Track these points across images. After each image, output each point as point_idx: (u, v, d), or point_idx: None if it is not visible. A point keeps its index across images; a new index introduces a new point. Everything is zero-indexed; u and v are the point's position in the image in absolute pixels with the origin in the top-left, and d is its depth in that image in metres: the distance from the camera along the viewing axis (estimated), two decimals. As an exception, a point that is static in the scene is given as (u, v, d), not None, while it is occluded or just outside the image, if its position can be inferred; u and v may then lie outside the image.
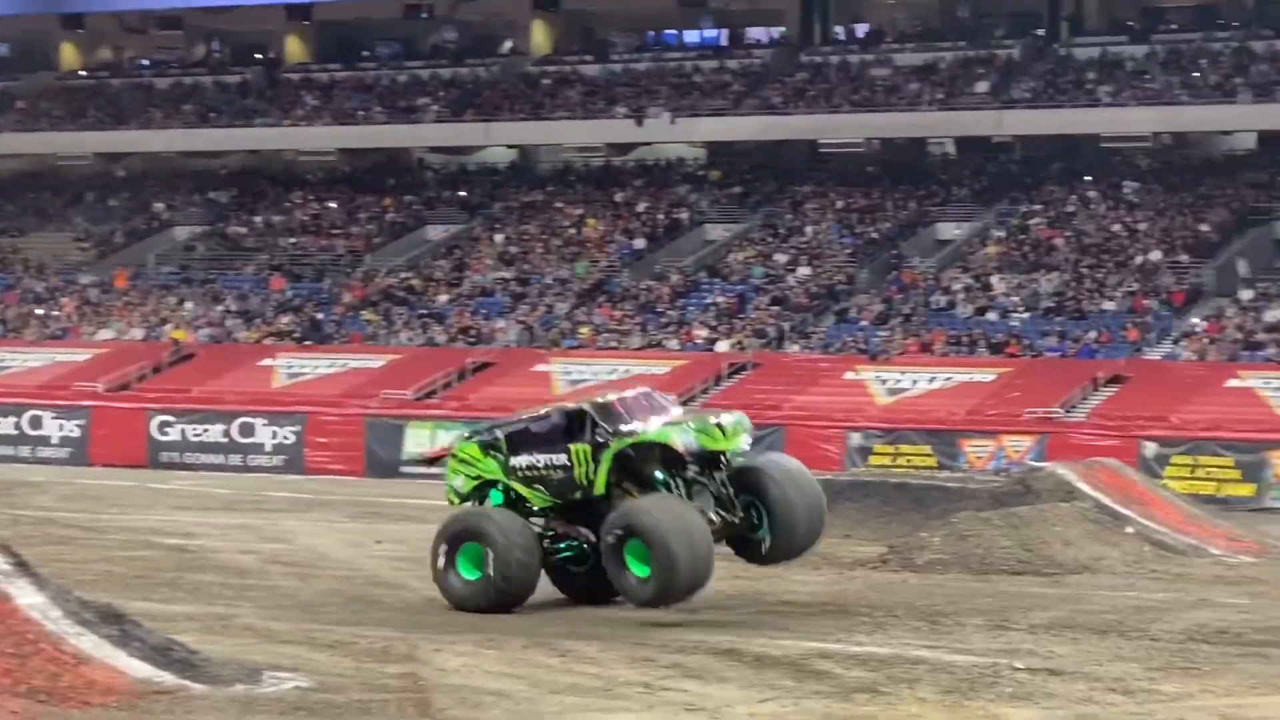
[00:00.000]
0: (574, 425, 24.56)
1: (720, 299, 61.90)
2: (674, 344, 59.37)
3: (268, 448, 56.45)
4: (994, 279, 59.87)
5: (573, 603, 25.51)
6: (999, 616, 25.43)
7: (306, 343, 63.31)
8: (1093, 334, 55.62)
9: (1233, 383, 50.93)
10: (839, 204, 66.80)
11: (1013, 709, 18.32)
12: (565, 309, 62.82)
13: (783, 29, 75.18)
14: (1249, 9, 66.76)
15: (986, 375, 53.94)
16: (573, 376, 56.68)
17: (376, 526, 39.25)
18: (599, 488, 24.21)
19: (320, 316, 64.98)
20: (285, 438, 56.35)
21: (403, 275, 67.15)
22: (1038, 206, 64.08)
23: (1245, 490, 46.51)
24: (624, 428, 24.18)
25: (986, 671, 20.37)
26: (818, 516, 24.68)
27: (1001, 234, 63.09)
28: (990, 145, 67.78)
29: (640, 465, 24.22)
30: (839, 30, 74.98)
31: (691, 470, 24.21)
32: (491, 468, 25.19)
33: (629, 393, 25.52)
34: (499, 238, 69.02)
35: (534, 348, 60.36)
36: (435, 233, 71.04)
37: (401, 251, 69.45)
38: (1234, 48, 64.53)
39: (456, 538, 24.60)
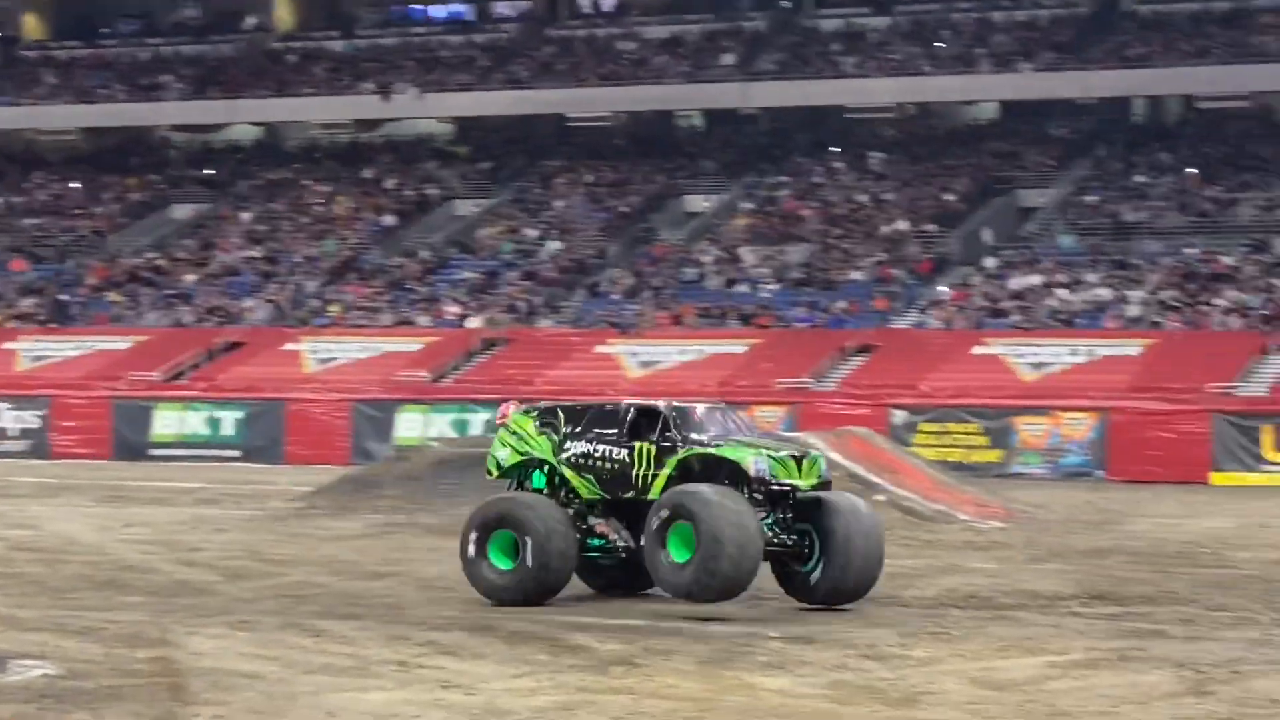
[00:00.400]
0: (644, 423, 23.21)
1: (471, 275, 61.86)
2: (425, 321, 59.23)
3: (12, 433, 55.60)
4: (743, 251, 60.32)
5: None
6: (753, 589, 25.59)
7: (51, 325, 62.31)
8: (841, 304, 56.24)
9: (979, 350, 51.75)
10: (588, 178, 67.04)
11: (767, 678, 18.44)
12: (315, 287, 62.38)
13: (529, 3, 75.05)
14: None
15: (737, 347, 54.38)
16: (322, 355, 56.41)
17: (125, 510, 38.65)
18: (654, 491, 22.65)
19: (64, 299, 64.02)
20: (30, 422, 55.49)
21: (148, 255, 66.40)
22: (785, 178, 64.71)
23: (992, 456, 47.30)
24: (696, 436, 22.94)
25: (742, 642, 20.52)
26: (875, 558, 22.99)
27: (750, 206, 63.61)
28: (737, 118, 68.25)
29: (702, 479, 22.45)
30: (585, 3, 75.03)
31: (758, 495, 22.51)
32: (543, 447, 23.77)
33: (706, 404, 24.92)
34: (246, 216, 68.49)
35: (284, 327, 59.93)
36: (181, 212, 70.42)
37: (147, 231, 68.70)
38: (975, 18, 65.45)
39: (488, 525, 23.22)
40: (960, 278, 56.99)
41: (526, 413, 24.36)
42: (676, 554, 21.82)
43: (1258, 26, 61.01)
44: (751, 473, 22.16)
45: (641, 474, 22.83)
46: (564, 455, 23.45)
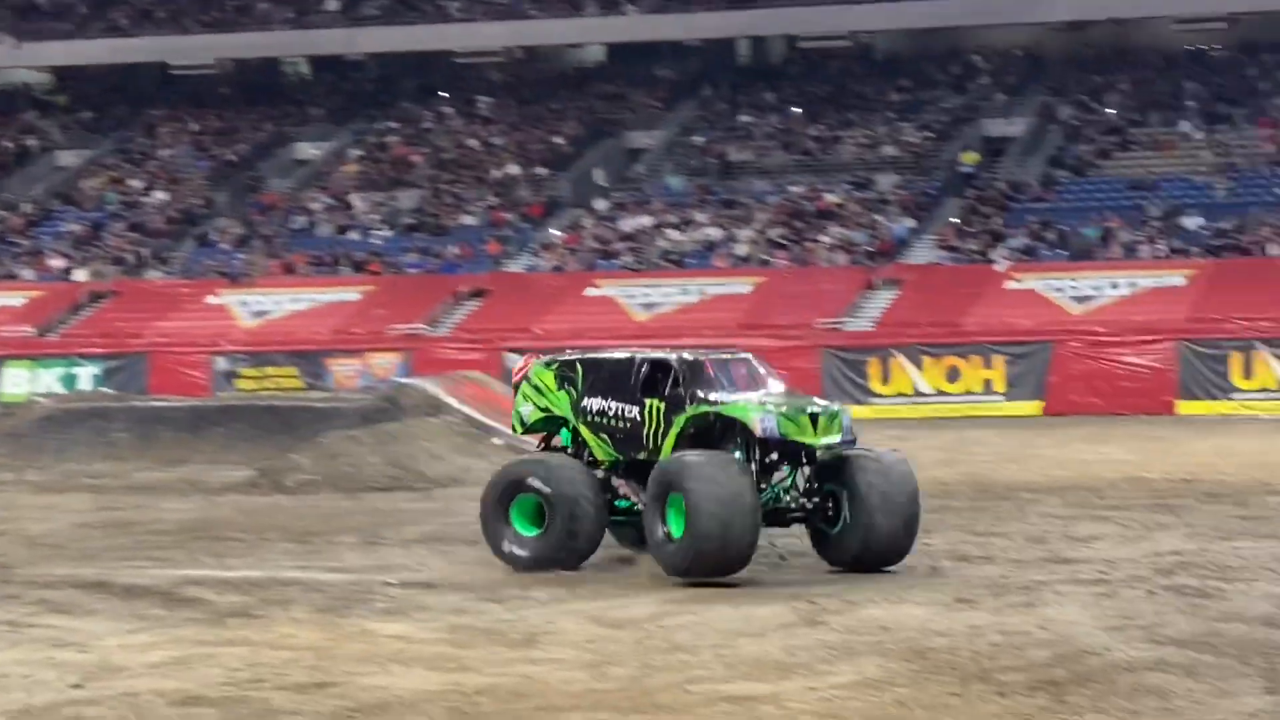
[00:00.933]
0: (656, 377, 21.41)
1: (75, 227, 60.63)
2: (29, 274, 57.92)
3: None
4: (353, 198, 60.00)
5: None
6: (371, 534, 25.52)
7: None
8: (453, 249, 56.25)
9: (591, 292, 52.11)
10: (194, 127, 66.14)
11: (385, 624, 18.42)
12: (-91, 242, 60.69)
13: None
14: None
15: (351, 294, 54.13)
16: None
17: None
18: (665, 452, 21.02)
19: None
20: None
21: None
22: (394, 124, 64.49)
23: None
24: (707, 394, 21.09)
25: (359, 589, 20.44)
26: (905, 517, 21.02)
27: (359, 153, 63.26)
28: (344, 64, 67.85)
29: (712, 438, 21.05)
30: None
31: (772, 456, 21.05)
32: (562, 403, 22.15)
33: (726, 355, 22.37)
34: None
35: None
36: None
37: None
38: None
39: (510, 490, 21.78)
40: (571, 220, 57.32)
41: (548, 365, 22.63)
42: (674, 527, 20.32)
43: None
44: (757, 432, 20.56)
45: (652, 433, 21.30)
46: (582, 412, 21.94)
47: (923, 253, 52.82)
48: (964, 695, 15.32)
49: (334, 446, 32.56)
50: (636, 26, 62.73)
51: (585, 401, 21.77)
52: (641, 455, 21.31)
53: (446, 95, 65.28)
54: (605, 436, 21.65)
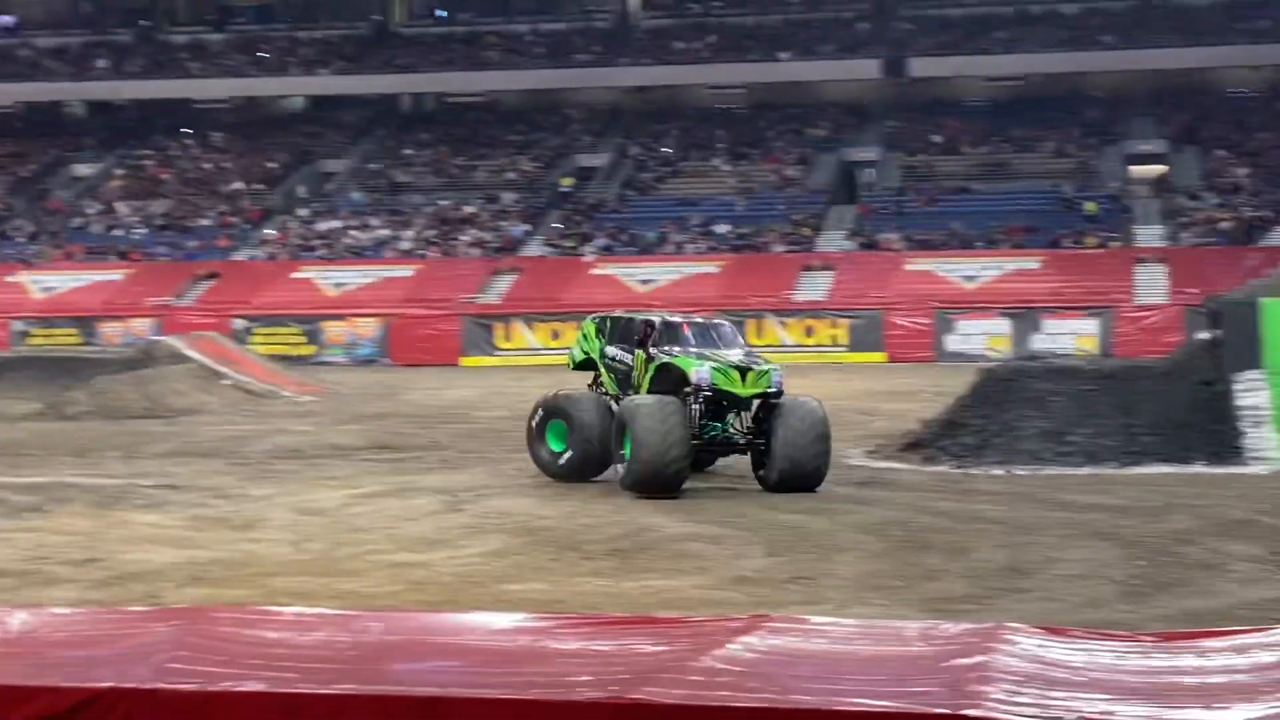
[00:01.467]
0: (645, 332, 20.62)
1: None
2: None
3: None
4: (119, 205, 58.23)
5: None
6: (131, 450, 24.91)
7: None
8: (194, 243, 55.01)
9: (296, 275, 51.34)
10: (-1, 152, 63.49)
11: (142, 515, 18.05)
12: None
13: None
14: (297, 6, 67.02)
15: (116, 275, 52.60)
16: None
17: None
18: (642, 391, 20.19)
19: None
20: None
21: None
22: (150, 151, 62.63)
23: (308, 350, 47.11)
24: (673, 349, 20.17)
25: (124, 489, 19.96)
26: (813, 452, 19.58)
27: (123, 172, 61.33)
28: (112, 106, 65.55)
29: (670, 384, 20.00)
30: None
31: (722, 401, 19.90)
32: (594, 347, 21.55)
33: (703, 319, 21.69)
34: None
35: None
36: None
37: None
38: (287, 36, 64.64)
39: (546, 415, 21.00)
40: (281, 223, 56.40)
41: (594, 319, 22.04)
42: (626, 452, 19.27)
43: (487, 42, 62.11)
44: (692, 380, 19.67)
45: (637, 377, 20.57)
46: (604, 356, 21.31)
47: (534, 248, 53.01)
48: (561, 559, 15.50)
49: (103, 386, 31.79)
50: (328, 84, 62.15)
51: (606, 348, 21.29)
52: (631, 392, 20.54)
53: (189, 131, 63.72)
54: (615, 376, 21.14)
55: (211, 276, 52.03)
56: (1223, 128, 54.32)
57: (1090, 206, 50.36)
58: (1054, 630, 6.40)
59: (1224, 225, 47.86)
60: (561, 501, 19.15)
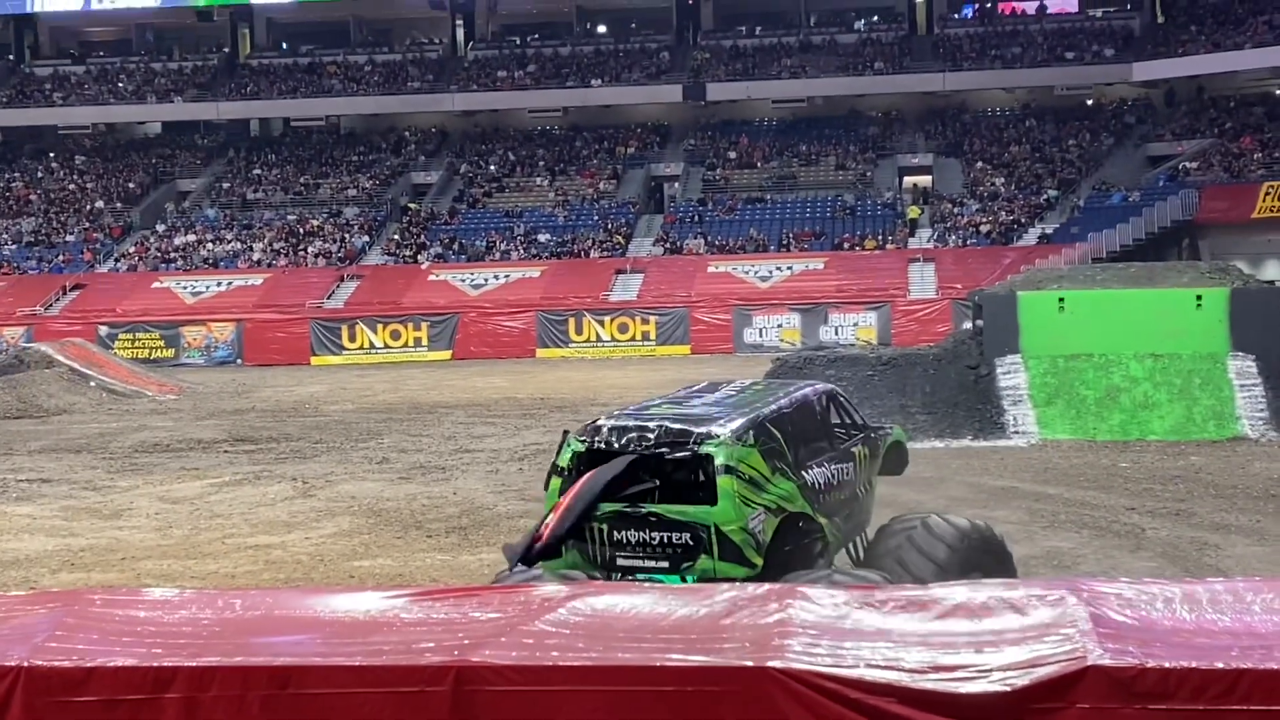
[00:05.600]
0: None
1: None
2: None
3: None
4: (-12, 223, 56.44)
5: None
6: (5, 448, 24.21)
7: None
8: (61, 257, 53.40)
9: (156, 285, 50.07)
10: None
11: (17, 506, 17.57)
12: None
13: None
14: (153, 39, 65.42)
15: (-12, 289, 50.90)
16: None
17: None
18: None
19: None
20: None
21: None
22: (18, 174, 60.72)
23: (169, 354, 46.08)
24: None
25: (0, 484, 19.40)
26: None
27: (-9, 192, 59.44)
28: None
29: None
30: None
31: None
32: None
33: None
34: None
35: None
36: None
37: None
38: (143, 67, 63.04)
39: None
40: (141, 238, 55.01)
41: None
42: None
43: (328, 71, 61.26)
44: None
45: None
46: None
47: (375, 257, 52.42)
48: (405, 538, 15.39)
49: (-20, 389, 30.91)
50: (182, 110, 60.72)
51: None
52: None
53: (54, 155, 61.86)
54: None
55: (77, 288, 50.59)
56: (981, 142, 55.58)
57: (912, 211, 51.19)
58: (848, 588, 6.50)
59: (984, 228, 48.99)
60: (405, 485, 19.02)
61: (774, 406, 10.03)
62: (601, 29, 63.82)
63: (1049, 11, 59.07)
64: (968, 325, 29.13)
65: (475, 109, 59.69)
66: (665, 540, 8.98)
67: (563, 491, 9.11)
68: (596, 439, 9.30)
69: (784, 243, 49.90)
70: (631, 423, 9.40)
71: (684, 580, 8.93)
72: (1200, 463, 19.37)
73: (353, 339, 45.93)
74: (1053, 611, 5.60)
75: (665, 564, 9.02)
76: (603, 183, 56.39)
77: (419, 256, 51.52)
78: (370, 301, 47.53)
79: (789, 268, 47.25)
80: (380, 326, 45.97)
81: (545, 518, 9.08)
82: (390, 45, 63.76)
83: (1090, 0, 59.52)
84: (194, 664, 5.45)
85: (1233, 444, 20.76)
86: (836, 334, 43.08)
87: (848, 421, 11.27)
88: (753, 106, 58.64)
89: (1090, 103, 56.90)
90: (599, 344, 44.81)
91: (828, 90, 56.70)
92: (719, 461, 9.01)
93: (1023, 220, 49.37)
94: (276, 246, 53.12)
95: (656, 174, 57.55)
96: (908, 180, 55.12)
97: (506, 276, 48.64)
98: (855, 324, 43.49)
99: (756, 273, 47.12)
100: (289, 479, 19.69)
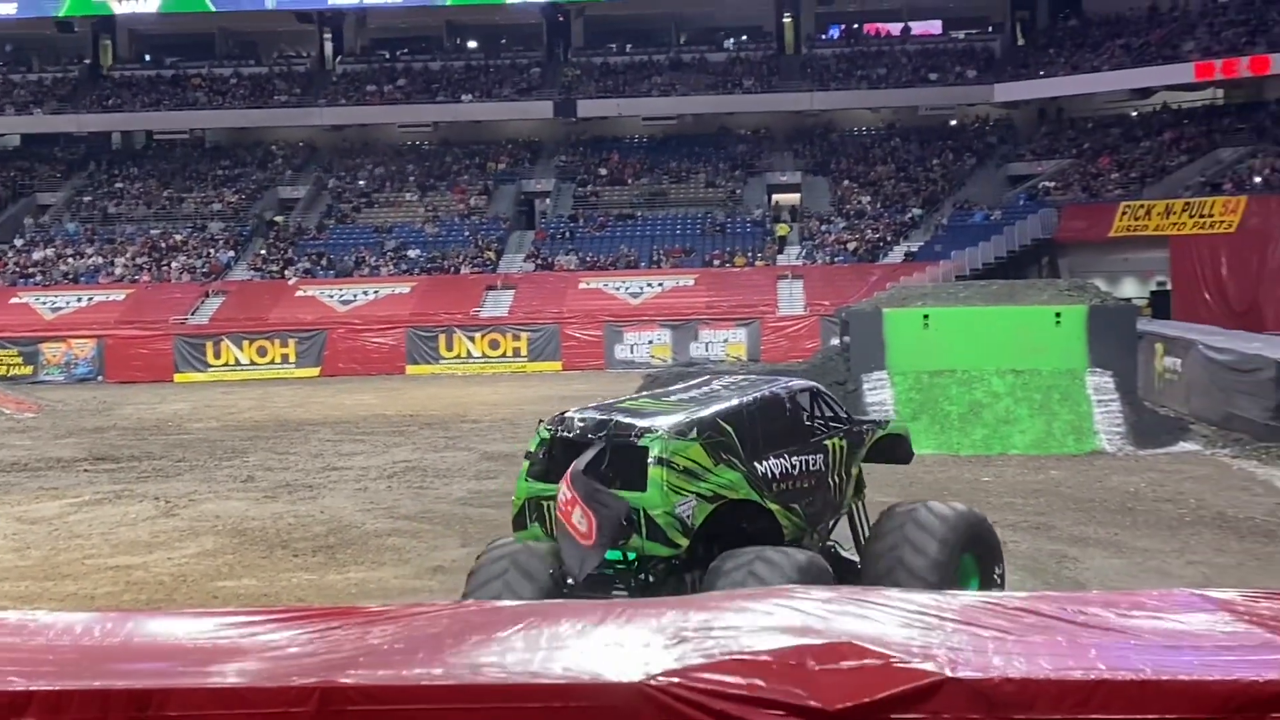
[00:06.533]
0: None
1: None
2: None
3: None
4: None
5: None
6: None
7: None
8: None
9: (14, 300, 48.94)
10: None
11: None
12: None
13: None
14: (11, 50, 63.96)
15: None
16: None
17: None
18: None
19: None
20: None
21: None
22: None
23: (26, 370, 45.00)
24: None
25: None
26: None
27: None
28: None
29: None
30: None
31: None
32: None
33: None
34: None
35: None
36: None
37: None
38: (4, 77, 61.63)
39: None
40: (0, 252, 53.77)
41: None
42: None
43: (193, 84, 60.35)
44: None
45: None
46: None
47: (241, 273, 51.70)
48: (270, 558, 15.20)
49: None
50: (42, 122, 59.45)
51: None
52: None
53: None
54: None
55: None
56: (848, 161, 56.35)
57: (781, 229, 51.65)
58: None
59: (851, 245, 49.65)
60: (271, 504, 18.78)
61: (732, 403, 10.98)
62: (472, 44, 63.68)
63: (913, 33, 60.12)
64: (835, 341, 29.48)
65: (344, 123, 59.22)
66: None
67: (530, 475, 10.41)
68: (560, 428, 10.43)
69: (655, 259, 50.13)
70: (592, 415, 10.51)
71: (624, 556, 10.24)
72: (1060, 477, 19.80)
73: (218, 356, 45.23)
74: (914, 621, 5.69)
75: None
76: (474, 198, 56.21)
77: (286, 272, 50.91)
78: (236, 318, 46.88)
79: (660, 284, 47.46)
80: (246, 343, 45.34)
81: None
82: (257, 58, 63.04)
83: (953, 22, 60.69)
84: (50, 687, 5.33)
85: (1091, 458, 21.24)
86: (707, 350, 43.34)
87: (828, 415, 11.94)
88: (624, 124, 58.87)
89: (953, 123, 57.99)
90: (470, 360, 44.62)
91: (698, 108, 57.12)
92: (653, 453, 10.05)
93: (888, 238, 50.12)
94: (139, 261, 52.18)
95: (528, 190, 57.52)
96: (777, 198, 55.69)
97: (376, 292, 48.26)
98: (725, 340, 43.80)
99: (628, 289, 47.28)
100: (151, 498, 19.34)
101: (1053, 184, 50.80)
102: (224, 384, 42.54)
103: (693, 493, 10.14)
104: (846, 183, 54.73)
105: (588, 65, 60.01)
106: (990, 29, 60.18)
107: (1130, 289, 45.60)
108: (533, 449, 10.57)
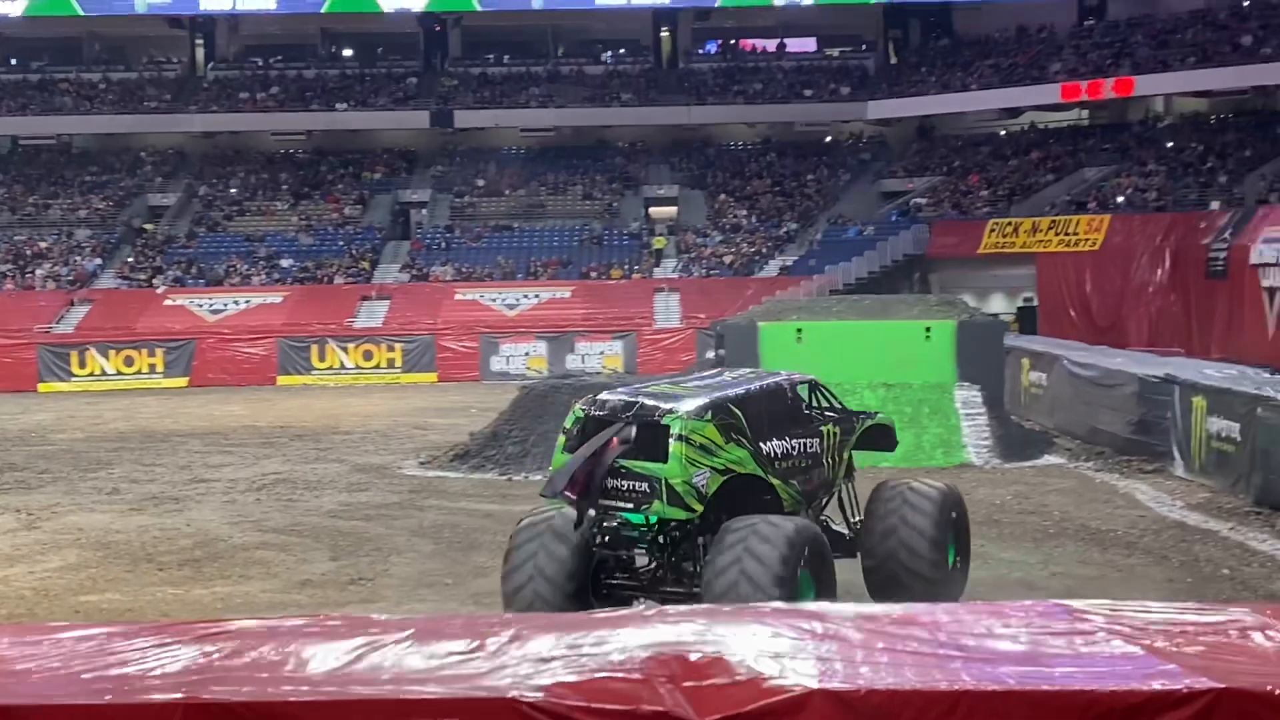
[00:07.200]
0: None
1: None
2: None
3: None
4: None
5: None
6: None
7: None
8: None
9: None
10: None
11: None
12: None
13: None
14: None
15: None
16: None
17: None
18: None
19: None
20: None
21: None
22: None
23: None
24: None
25: None
26: None
27: None
28: None
29: None
30: None
31: None
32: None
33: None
34: None
35: None
36: None
37: None
38: None
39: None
40: None
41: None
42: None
43: (60, 89, 59.09)
44: None
45: None
46: None
47: (108, 281, 50.70)
48: (135, 571, 14.94)
49: None
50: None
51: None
52: None
53: None
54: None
55: None
56: (725, 175, 56.78)
57: (658, 242, 51.78)
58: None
59: (727, 259, 50.02)
60: (136, 516, 18.45)
61: (741, 390, 12.60)
62: (348, 52, 63.18)
63: (788, 50, 60.76)
64: (710, 354, 29.67)
65: (216, 130, 58.39)
66: (632, 487, 11.54)
67: (566, 448, 11.79)
68: (593, 407, 11.89)
69: (531, 271, 50.08)
70: (621, 396, 11.99)
71: (646, 520, 11.89)
72: (930, 489, 20.04)
73: (83, 365, 44.31)
74: (784, 635, 5.74)
75: (630, 505, 11.61)
76: (348, 208, 55.73)
77: (154, 280, 50.04)
78: (102, 326, 45.97)
79: (536, 296, 47.42)
80: (113, 352, 44.47)
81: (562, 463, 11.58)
82: (126, 63, 61.92)
83: (827, 40, 61.45)
84: (-99, 708, 5.18)
85: (959, 471, 21.60)
86: (583, 362, 43.36)
87: (824, 405, 13.70)
88: (501, 135, 58.76)
89: (828, 139, 58.69)
90: (343, 371, 44.20)
91: (576, 120, 57.20)
92: (674, 431, 11.58)
93: (764, 252, 50.58)
94: (2, 269, 50.97)
95: (404, 200, 57.17)
96: (654, 211, 55.94)
97: (247, 302, 47.63)
98: (602, 352, 43.87)
99: (504, 300, 47.18)
100: (13, 510, 18.89)
101: (924, 200, 51.64)
102: (89, 394, 41.69)
103: (707, 466, 11.67)
104: (723, 197, 55.14)
105: (465, 75, 59.84)
106: (864, 46, 61.03)
107: (998, 305, 46.48)
108: (568, 425, 11.97)
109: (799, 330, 24.72)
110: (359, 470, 23.15)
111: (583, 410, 11.99)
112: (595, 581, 12.06)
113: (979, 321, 26.17)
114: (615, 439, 11.51)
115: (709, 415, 11.87)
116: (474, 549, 16.16)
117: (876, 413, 14.95)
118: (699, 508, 11.66)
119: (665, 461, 11.53)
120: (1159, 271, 40.23)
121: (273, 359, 44.42)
